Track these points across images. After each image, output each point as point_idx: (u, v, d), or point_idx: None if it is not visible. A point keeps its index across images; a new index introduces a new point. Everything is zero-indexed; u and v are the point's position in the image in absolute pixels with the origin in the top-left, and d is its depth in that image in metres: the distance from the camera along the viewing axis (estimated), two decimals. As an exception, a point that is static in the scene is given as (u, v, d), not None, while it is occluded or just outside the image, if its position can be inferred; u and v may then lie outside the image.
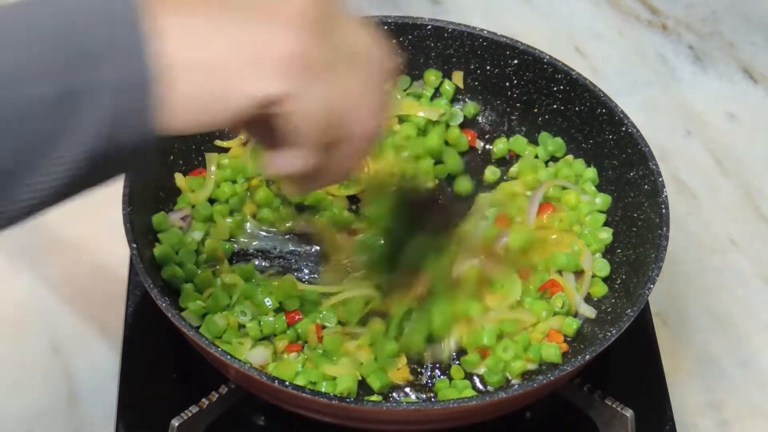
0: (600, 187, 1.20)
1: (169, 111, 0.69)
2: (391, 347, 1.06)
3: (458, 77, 1.27)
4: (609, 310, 1.11)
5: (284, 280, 1.10)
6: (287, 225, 1.17)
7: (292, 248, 1.16)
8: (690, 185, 1.36)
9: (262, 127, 0.76)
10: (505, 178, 1.23)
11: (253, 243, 1.16)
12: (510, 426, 1.08)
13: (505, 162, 1.25)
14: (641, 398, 1.08)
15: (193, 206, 1.16)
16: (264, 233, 1.16)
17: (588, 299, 1.12)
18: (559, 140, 1.23)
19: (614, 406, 1.04)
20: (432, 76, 1.27)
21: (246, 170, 1.17)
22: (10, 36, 0.67)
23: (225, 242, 1.14)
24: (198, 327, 1.06)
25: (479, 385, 1.06)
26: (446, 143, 1.24)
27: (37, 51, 0.67)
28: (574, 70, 1.21)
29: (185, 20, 0.70)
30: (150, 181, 1.14)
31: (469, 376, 1.07)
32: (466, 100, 1.27)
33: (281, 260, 1.15)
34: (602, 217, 1.16)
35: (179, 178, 1.17)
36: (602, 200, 1.17)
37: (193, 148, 1.20)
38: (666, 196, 1.10)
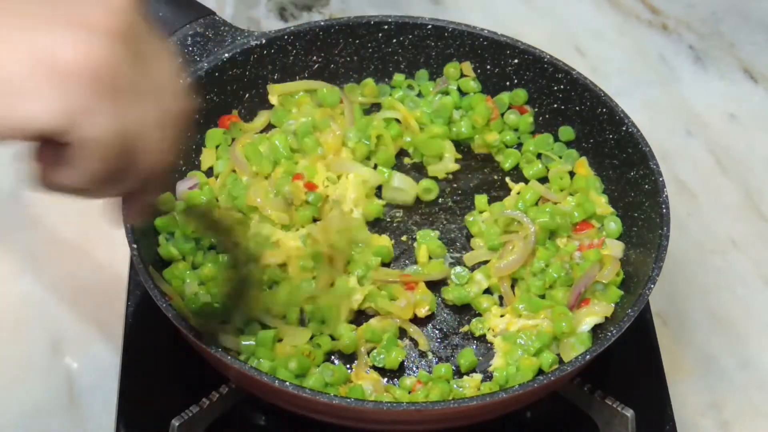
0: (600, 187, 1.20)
1: None
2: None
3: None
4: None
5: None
6: None
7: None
8: (690, 185, 1.36)
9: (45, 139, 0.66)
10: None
11: None
12: (510, 426, 1.08)
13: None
14: (641, 398, 1.08)
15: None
16: None
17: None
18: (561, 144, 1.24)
19: (614, 406, 1.04)
20: (452, 69, 1.27)
21: None
22: None
23: None
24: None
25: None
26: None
27: None
28: (574, 70, 1.21)
29: None
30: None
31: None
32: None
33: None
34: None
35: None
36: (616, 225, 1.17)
37: (193, 148, 1.20)
38: (666, 196, 1.10)
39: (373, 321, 1.10)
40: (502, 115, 1.25)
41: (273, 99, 1.24)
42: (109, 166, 0.67)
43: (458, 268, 1.14)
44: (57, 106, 0.62)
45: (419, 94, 1.27)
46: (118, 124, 0.65)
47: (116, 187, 0.71)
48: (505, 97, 1.25)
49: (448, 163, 1.23)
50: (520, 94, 1.25)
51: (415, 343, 1.10)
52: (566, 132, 1.23)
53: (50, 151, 0.67)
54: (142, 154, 0.69)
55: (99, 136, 0.65)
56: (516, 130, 1.25)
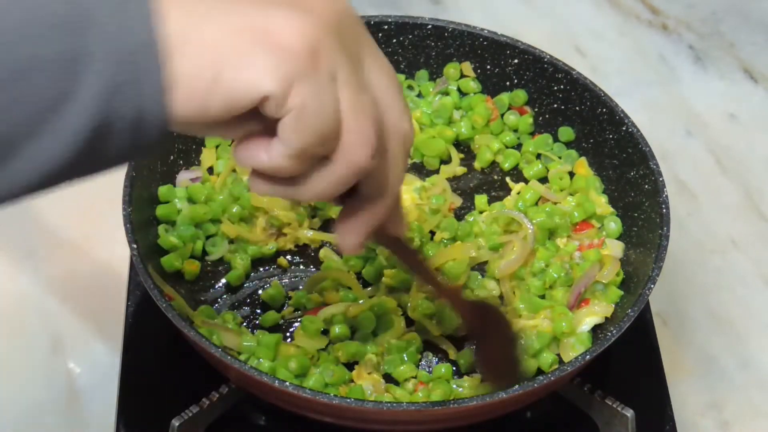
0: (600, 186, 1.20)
1: (168, 88, 0.66)
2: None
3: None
4: (609, 310, 1.11)
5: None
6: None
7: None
8: (690, 185, 1.36)
9: (254, 118, 0.71)
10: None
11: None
12: (510, 426, 1.08)
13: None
14: (641, 398, 1.08)
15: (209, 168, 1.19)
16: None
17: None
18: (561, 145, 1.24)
19: (614, 406, 1.04)
20: (452, 69, 1.27)
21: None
22: None
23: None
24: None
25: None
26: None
27: (38, 12, 0.64)
28: (574, 70, 1.21)
29: None
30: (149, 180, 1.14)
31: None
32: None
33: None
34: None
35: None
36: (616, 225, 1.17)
37: (193, 148, 1.20)
38: (666, 196, 1.10)
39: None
40: (502, 116, 1.25)
41: None
42: (314, 140, 0.70)
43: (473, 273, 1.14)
44: (275, 73, 0.67)
45: (419, 95, 1.27)
46: (329, 97, 0.69)
47: (312, 181, 0.74)
48: (504, 97, 1.25)
49: (455, 166, 1.23)
50: (520, 95, 1.25)
51: (440, 353, 1.09)
52: (566, 132, 1.23)
53: (258, 133, 0.72)
54: (348, 145, 0.72)
55: (312, 103, 0.69)
56: (515, 131, 1.25)
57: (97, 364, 1.15)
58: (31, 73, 0.63)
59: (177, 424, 1.00)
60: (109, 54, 0.64)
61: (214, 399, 1.03)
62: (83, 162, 0.67)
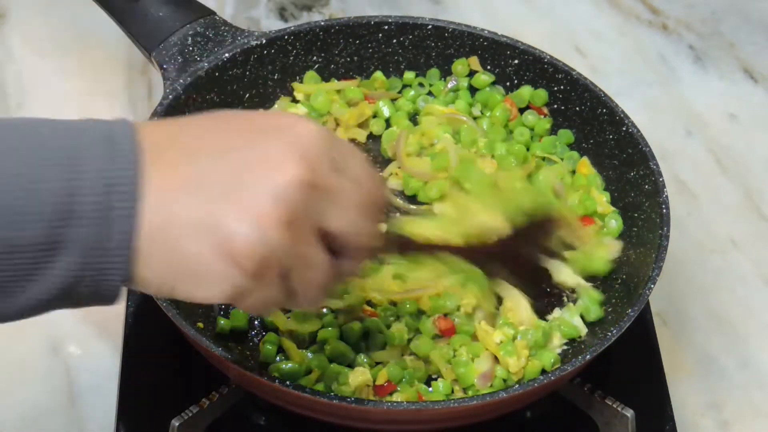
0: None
1: (135, 276, 0.73)
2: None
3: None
4: (609, 309, 1.11)
5: None
6: None
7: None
8: (690, 185, 1.36)
9: None
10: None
11: None
12: (510, 426, 1.08)
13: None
14: (641, 398, 1.08)
15: None
16: None
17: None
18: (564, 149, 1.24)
19: (614, 406, 1.04)
20: (459, 66, 1.26)
21: None
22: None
23: None
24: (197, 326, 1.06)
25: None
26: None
27: (31, 202, 0.70)
28: (574, 70, 1.21)
29: (171, 196, 0.72)
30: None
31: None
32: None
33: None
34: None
35: None
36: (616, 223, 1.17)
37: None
38: (666, 196, 1.10)
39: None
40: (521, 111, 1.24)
41: (299, 96, 1.24)
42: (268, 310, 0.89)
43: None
44: (225, 292, 0.74)
45: (430, 93, 1.27)
46: (269, 301, 0.77)
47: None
48: (525, 93, 1.24)
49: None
50: (541, 95, 1.23)
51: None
52: (565, 135, 1.23)
53: None
54: (296, 299, 0.79)
55: (251, 307, 0.77)
56: (532, 129, 1.23)
57: (97, 364, 1.15)
58: (10, 253, 0.70)
59: (177, 424, 1.00)
60: (82, 250, 0.71)
61: (214, 399, 1.03)
62: (53, 307, 0.75)
